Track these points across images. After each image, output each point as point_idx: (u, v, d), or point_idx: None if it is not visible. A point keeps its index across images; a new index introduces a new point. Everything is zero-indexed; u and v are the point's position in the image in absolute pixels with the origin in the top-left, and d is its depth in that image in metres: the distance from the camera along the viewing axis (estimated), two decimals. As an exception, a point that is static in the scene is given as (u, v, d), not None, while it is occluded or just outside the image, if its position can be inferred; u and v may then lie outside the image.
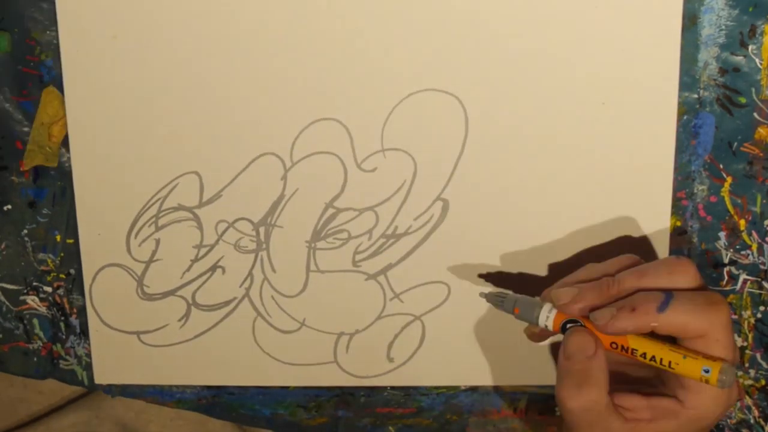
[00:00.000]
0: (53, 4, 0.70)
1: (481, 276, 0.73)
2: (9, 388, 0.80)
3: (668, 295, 0.61)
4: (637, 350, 0.62)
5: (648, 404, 0.64)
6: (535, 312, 0.66)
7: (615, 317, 0.62)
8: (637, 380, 0.67)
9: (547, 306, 0.65)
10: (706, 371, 0.60)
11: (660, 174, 0.71)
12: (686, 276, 0.63)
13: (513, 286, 0.73)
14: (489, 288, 0.73)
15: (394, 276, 0.74)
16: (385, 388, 0.77)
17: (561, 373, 0.64)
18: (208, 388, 0.78)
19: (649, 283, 0.63)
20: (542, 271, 0.73)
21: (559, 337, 0.65)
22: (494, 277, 0.73)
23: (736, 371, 0.62)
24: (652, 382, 0.66)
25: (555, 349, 0.75)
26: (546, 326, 0.66)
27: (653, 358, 0.62)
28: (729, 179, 0.72)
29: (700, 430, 0.64)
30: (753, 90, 0.70)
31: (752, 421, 0.76)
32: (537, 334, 0.68)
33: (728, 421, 0.77)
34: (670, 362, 0.61)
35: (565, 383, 0.63)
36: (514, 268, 0.73)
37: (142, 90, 0.71)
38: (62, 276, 0.75)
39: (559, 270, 0.73)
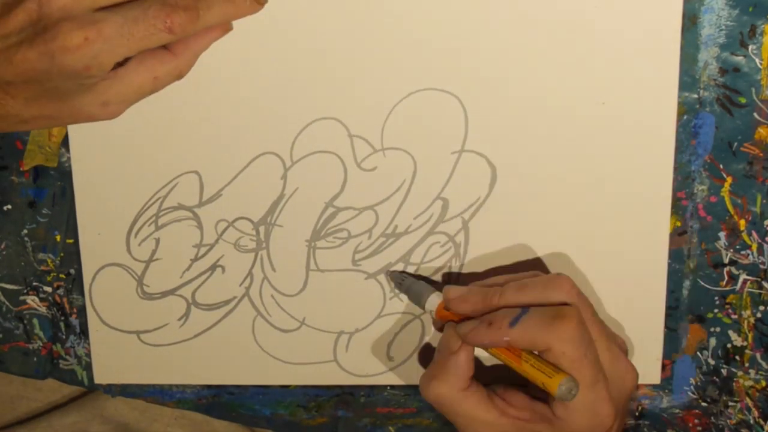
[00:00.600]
0: (53, 3, 0.70)
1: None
2: (8, 385, 0.80)
3: (523, 311, 0.65)
4: (497, 358, 0.66)
5: (530, 405, 0.67)
6: (423, 298, 0.71)
7: (474, 329, 0.66)
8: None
9: (434, 296, 0.70)
10: (544, 384, 0.63)
11: (660, 174, 0.71)
12: (560, 291, 0.65)
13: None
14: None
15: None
16: (385, 387, 0.77)
17: (430, 363, 0.69)
18: (208, 387, 0.78)
19: (526, 296, 0.66)
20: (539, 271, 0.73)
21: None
22: (487, 275, 0.73)
23: (577, 386, 0.63)
24: None
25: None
26: (430, 313, 0.71)
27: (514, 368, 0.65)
28: (729, 179, 0.72)
29: None
30: (753, 90, 0.70)
31: (752, 421, 0.77)
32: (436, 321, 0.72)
33: (728, 421, 0.77)
34: (525, 373, 0.64)
35: (424, 373, 0.69)
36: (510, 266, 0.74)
37: (142, 89, 0.71)
38: (62, 276, 0.75)
39: (555, 269, 0.73)
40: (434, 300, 0.70)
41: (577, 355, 0.63)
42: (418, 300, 0.71)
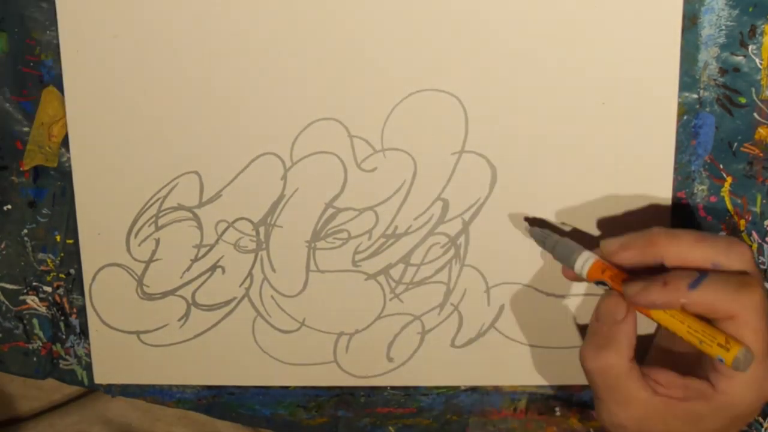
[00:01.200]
0: (53, 3, 0.70)
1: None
2: (8, 385, 0.80)
3: (703, 274, 0.61)
4: (660, 323, 0.63)
5: (682, 383, 0.63)
6: (573, 256, 0.67)
7: (645, 289, 0.61)
8: (681, 357, 0.66)
9: (585, 254, 0.66)
10: (725, 349, 0.60)
11: (660, 174, 0.71)
12: (742, 258, 0.62)
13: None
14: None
15: (394, 276, 0.74)
16: (385, 388, 0.77)
17: (588, 333, 0.65)
18: (208, 388, 0.78)
19: (703, 253, 0.62)
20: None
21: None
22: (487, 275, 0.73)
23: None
24: (693, 362, 0.65)
25: (556, 349, 0.75)
26: (581, 275, 0.66)
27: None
28: (729, 179, 0.72)
29: (735, 420, 0.63)
30: (753, 90, 0.70)
31: (752, 420, 0.77)
32: (572, 276, 0.68)
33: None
34: (695, 340, 0.61)
35: (588, 343, 0.64)
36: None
37: (143, 89, 0.71)
38: (62, 276, 0.75)
39: (556, 269, 0.73)
40: (584, 258, 0.66)
41: (761, 326, 0.60)
42: (567, 259, 0.67)
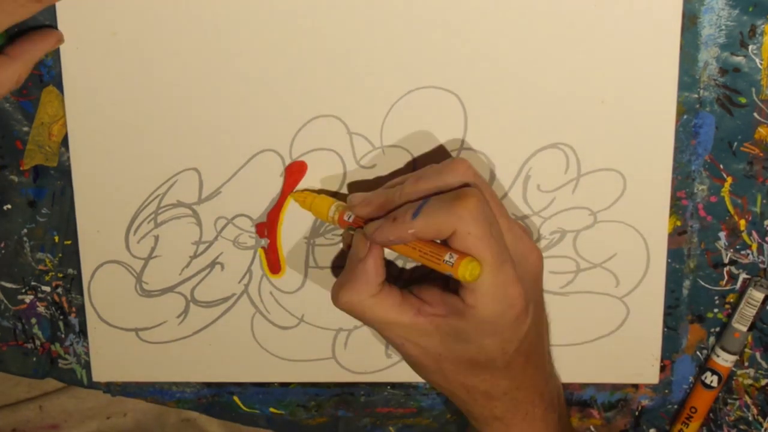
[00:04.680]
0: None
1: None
2: (14, 387, 0.80)
3: (424, 201, 0.63)
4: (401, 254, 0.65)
5: (442, 299, 0.65)
6: (325, 210, 0.69)
7: (379, 227, 0.64)
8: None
9: (335, 205, 0.69)
10: (450, 265, 0.61)
11: (659, 174, 0.71)
12: (456, 173, 0.64)
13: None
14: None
15: (392, 272, 0.73)
16: (385, 387, 0.77)
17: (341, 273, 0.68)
18: (208, 386, 0.78)
19: (425, 185, 0.64)
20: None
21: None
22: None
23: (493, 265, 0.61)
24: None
25: (554, 347, 0.75)
26: (333, 221, 0.69)
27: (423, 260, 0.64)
28: (729, 179, 0.72)
29: (497, 331, 0.64)
30: (753, 90, 0.70)
31: (750, 418, 0.76)
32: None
33: (727, 418, 0.77)
34: (432, 263, 0.62)
35: (336, 282, 0.67)
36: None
37: (142, 87, 0.71)
38: (60, 275, 0.75)
39: (556, 268, 0.73)
40: (337, 207, 0.69)
41: (483, 232, 0.61)
42: (322, 213, 0.70)
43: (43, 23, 0.70)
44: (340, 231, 0.72)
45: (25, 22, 0.68)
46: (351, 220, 0.68)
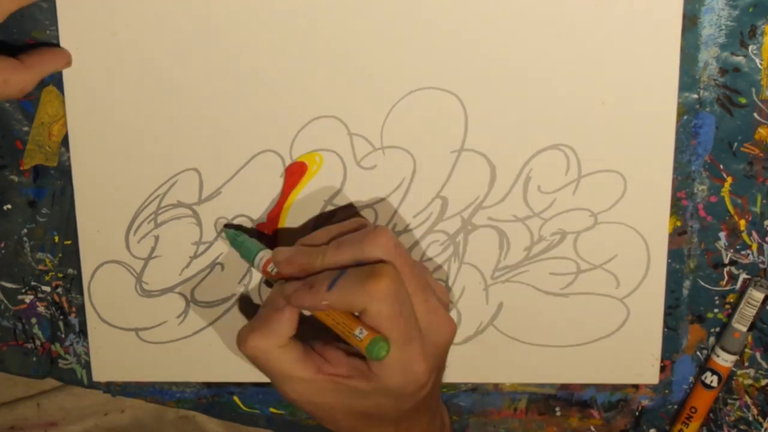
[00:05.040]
0: (53, 2, 0.70)
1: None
2: (13, 387, 0.80)
3: (341, 272, 0.63)
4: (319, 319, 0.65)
5: (347, 361, 0.65)
6: (251, 255, 0.70)
7: (296, 292, 0.64)
8: None
9: (263, 252, 0.69)
10: (359, 340, 0.62)
11: (659, 174, 0.71)
12: (375, 247, 0.64)
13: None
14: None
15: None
16: (384, 388, 0.77)
17: (253, 318, 0.68)
18: (208, 386, 0.78)
19: (345, 255, 0.65)
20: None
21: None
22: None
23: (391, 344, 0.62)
24: None
25: (554, 348, 0.75)
26: (258, 269, 0.69)
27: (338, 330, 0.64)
28: (729, 179, 0.72)
29: (397, 398, 0.65)
30: (753, 90, 0.70)
31: (750, 418, 0.76)
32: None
33: (727, 418, 0.77)
34: (342, 334, 0.63)
35: (245, 326, 0.67)
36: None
37: (142, 87, 0.71)
38: (60, 275, 0.75)
39: (556, 268, 0.73)
40: (262, 257, 0.69)
41: (392, 313, 0.62)
42: (248, 256, 0.70)
43: (44, 23, 0.70)
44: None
45: (39, 38, 0.68)
46: (274, 272, 0.68)
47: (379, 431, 0.68)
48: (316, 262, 0.65)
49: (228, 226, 0.73)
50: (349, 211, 0.73)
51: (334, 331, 0.64)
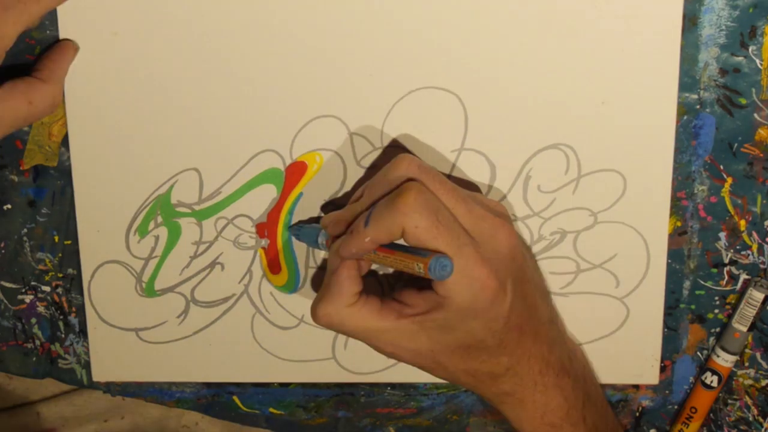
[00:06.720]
0: (53, 2, 0.70)
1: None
2: (13, 391, 0.80)
3: (373, 206, 0.64)
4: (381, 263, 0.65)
5: (421, 297, 0.65)
6: (315, 236, 0.70)
7: (341, 242, 0.65)
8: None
9: (322, 232, 0.70)
10: (420, 269, 0.61)
11: (659, 174, 0.71)
12: (398, 171, 0.64)
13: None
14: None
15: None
16: (385, 388, 0.77)
17: None
18: (208, 387, 0.78)
19: (377, 190, 0.65)
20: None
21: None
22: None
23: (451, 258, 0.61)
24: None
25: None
26: (323, 247, 0.70)
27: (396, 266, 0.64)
28: (729, 180, 0.72)
29: (476, 316, 0.64)
30: (753, 91, 0.70)
31: (751, 418, 0.76)
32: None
33: (727, 418, 0.77)
34: (404, 267, 0.63)
35: (315, 298, 0.67)
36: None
37: (142, 87, 0.71)
38: (60, 275, 0.75)
39: (556, 268, 0.73)
40: (323, 235, 0.70)
41: (428, 223, 0.61)
42: (312, 241, 0.71)
43: (44, 22, 0.70)
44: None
45: (40, 38, 0.69)
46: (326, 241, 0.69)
47: (490, 365, 0.67)
48: (357, 211, 0.66)
49: (291, 226, 0.73)
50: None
51: (405, 273, 0.63)
